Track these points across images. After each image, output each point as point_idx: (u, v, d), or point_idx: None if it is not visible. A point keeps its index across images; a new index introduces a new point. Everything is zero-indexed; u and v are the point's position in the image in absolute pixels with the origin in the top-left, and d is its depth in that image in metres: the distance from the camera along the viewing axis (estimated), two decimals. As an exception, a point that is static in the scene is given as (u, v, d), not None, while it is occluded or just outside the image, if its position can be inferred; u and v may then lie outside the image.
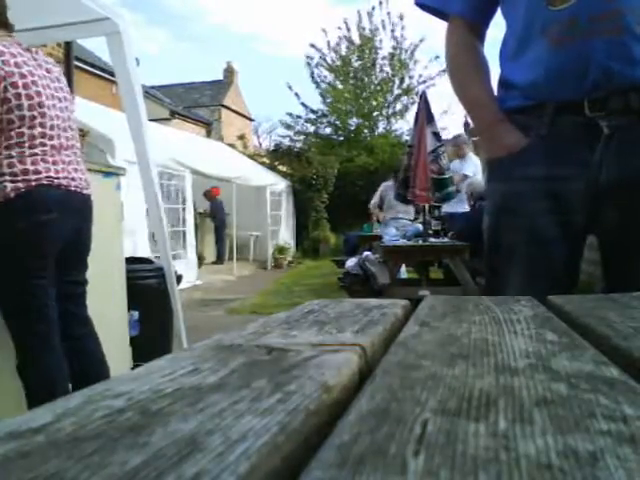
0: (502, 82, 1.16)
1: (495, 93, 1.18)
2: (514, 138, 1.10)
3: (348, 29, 14.56)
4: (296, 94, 14.85)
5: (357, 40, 14.60)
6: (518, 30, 1.11)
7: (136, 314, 2.86)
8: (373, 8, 14.42)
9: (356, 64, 14.65)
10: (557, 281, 1.08)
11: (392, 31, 14.45)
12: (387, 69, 14.60)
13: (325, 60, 14.72)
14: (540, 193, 1.08)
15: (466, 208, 5.55)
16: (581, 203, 1.06)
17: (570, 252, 1.11)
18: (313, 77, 14.74)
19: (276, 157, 13.88)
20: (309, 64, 14.71)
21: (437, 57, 14.45)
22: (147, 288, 2.96)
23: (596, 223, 1.09)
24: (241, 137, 16.23)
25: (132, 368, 2.31)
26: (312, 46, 14.69)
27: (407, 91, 14.55)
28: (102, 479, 0.18)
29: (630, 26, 0.98)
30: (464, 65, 1.21)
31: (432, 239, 4.93)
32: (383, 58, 14.60)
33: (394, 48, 14.48)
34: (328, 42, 14.66)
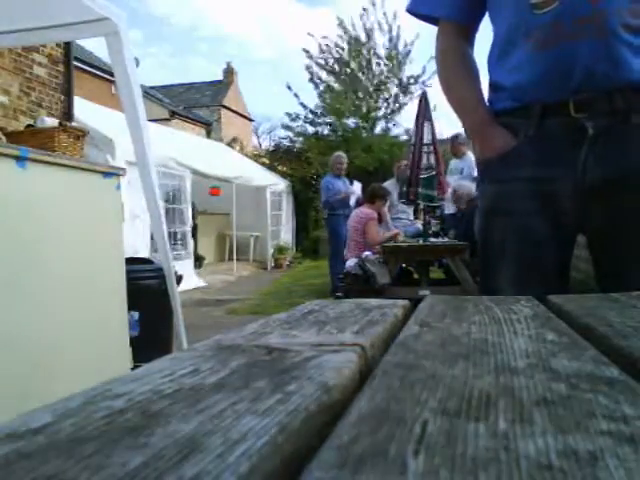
0: (491, 84, 1.17)
1: (485, 95, 1.19)
2: (502, 140, 1.12)
3: (345, 31, 14.54)
4: (295, 95, 14.82)
5: (353, 41, 14.57)
6: (504, 33, 1.13)
7: (136, 314, 2.86)
8: (364, 9, 14.38)
9: (353, 64, 14.61)
10: (549, 280, 1.09)
11: (389, 31, 14.43)
12: (384, 68, 14.57)
13: (325, 61, 14.67)
14: (529, 194, 1.09)
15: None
16: (569, 203, 1.07)
17: (561, 252, 1.13)
18: (312, 79, 14.69)
19: (276, 157, 13.87)
20: (308, 67, 14.66)
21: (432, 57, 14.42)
22: (147, 288, 2.96)
23: (585, 223, 1.10)
24: (234, 140, 16.17)
25: (132, 368, 2.31)
26: (306, 51, 14.68)
27: (404, 90, 14.53)
28: (102, 480, 0.18)
29: (613, 28, 0.99)
30: (453, 68, 1.22)
31: (432, 239, 4.94)
32: (379, 58, 14.57)
33: (389, 48, 14.45)
34: (321, 45, 14.63)
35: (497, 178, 1.15)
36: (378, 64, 14.53)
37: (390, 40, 14.40)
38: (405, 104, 14.55)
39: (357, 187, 6.75)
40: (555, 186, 1.07)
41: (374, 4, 14.12)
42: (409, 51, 14.35)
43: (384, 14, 14.29)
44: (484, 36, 1.27)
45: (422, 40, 14.92)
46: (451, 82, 1.23)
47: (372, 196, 5.33)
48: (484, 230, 1.20)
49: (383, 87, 14.49)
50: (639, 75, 0.99)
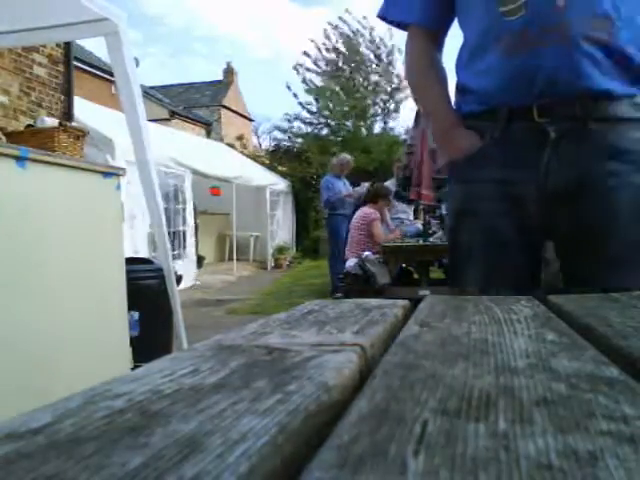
0: (458, 88, 1.20)
1: (452, 98, 1.22)
2: (469, 141, 1.14)
3: (328, 37, 14.65)
4: (294, 94, 14.83)
5: (341, 47, 14.66)
6: (474, 38, 1.15)
7: (136, 314, 2.85)
8: (340, 18, 14.49)
9: (345, 67, 14.69)
10: (515, 282, 1.11)
11: (370, 33, 14.55)
12: (376, 68, 14.64)
13: (317, 65, 14.74)
14: (495, 195, 1.12)
15: None
16: (534, 206, 1.09)
17: (527, 254, 1.14)
18: (305, 82, 14.74)
19: (276, 157, 13.86)
20: (298, 71, 14.71)
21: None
22: (147, 288, 2.96)
23: (550, 226, 1.11)
24: (240, 138, 16.22)
25: (132, 368, 2.31)
26: (305, 53, 14.72)
27: (397, 87, 14.59)
28: (102, 480, 0.18)
29: (576, 39, 1.01)
30: (422, 72, 1.25)
31: (432, 239, 4.93)
32: (369, 60, 14.66)
33: (376, 49, 14.55)
34: (318, 48, 14.70)
35: (464, 179, 1.18)
36: (368, 65, 14.62)
37: (372, 42, 14.52)
38: (400, 102, 14.61)
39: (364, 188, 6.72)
40: (519, 188, 1.09)
41: (343, 17, 14.30)
42: (392, 47, 14.47)
43: (358, 22, 14.45)
44: (452, 41, 1.30)
45: (397, 36, 15.06)
46: (420, 86, 1.27)
47: (375, 196, 5.33)
48: (452, 231, 1.23)
49: (377, 87, 14.55)
50: (597, 84, 1.02)
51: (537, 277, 1.16)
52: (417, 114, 5.53)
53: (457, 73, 1.20)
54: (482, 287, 1.11)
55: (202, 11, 69.46)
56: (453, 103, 1.21)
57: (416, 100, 1.27)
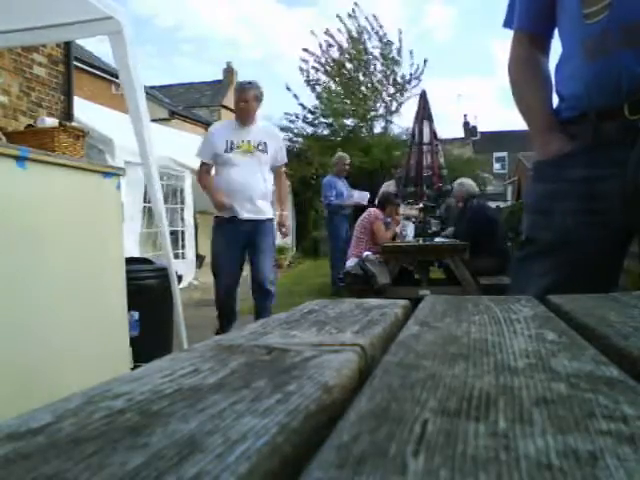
0: (557, 94, 1.22)
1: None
2: (558, 144, 1.16)
3: (331, 35, 14.65)
4: (295, 95, 14.83)
5: (345, 44, 14.67)
6: (564, 44, 1.18)
7: (136, 314, 2.85)
8: (353, 11, 14.49)
9: (349, 65, 14.69)
10: (595, 281, 1.10)
11: (376, 33, 14.54)
12: (379, 67, 14.65)
13: (320, 63, 14.74)
14: (578, 194, 1.12)
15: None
16: (618, 202, 1.09)
17: (609, 252, 1.14)
18: (309, 81, 14.73)
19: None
20: (301, 68, 14.72)
21: (411, 52, 15.51)
22: (147, 288, 2.95)
23: (634, 224, 1.11)
24: None
25: (132, 368, 2.31)
26: (305, 50, 14.72)
27: (401, 89, 14.60)
28: (102, 480, 0.18)
29: None
30: (523, 77, 1.27)
31: (438, 239, 4.95)
32: (374, 58, 14.66)
33: (382, 48, 14.55)
34: (320, 45, 14.71)
35: (548, 178, 1.20)
36: (373, 64, 14.61)
37: (380, 40, 14.50)
38: (402, 103, 14.60)
39: (361, 196, 6.45)
40: (604, 186, 1.09)
41: (354, 13, 14.29)
42: (400, 48, 14.47)
43: (366, 18, 14.44)
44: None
45: (409, 37, 15.15)
46: (520, 90, 1.29)
47: (385, 202, 5.26)
48: (530, 227, 1.23)
49: (380, 87, 14.54)
50: None
51: (617, 276, 1.17)
52: (417, 114, 5.54)
53: (554, 79, 1.22)
54: (561, 285, 1.09)
55: (192, 12, 69.64)
56: (554, 108, 1.23)
57: (516, 103, 1.29)
